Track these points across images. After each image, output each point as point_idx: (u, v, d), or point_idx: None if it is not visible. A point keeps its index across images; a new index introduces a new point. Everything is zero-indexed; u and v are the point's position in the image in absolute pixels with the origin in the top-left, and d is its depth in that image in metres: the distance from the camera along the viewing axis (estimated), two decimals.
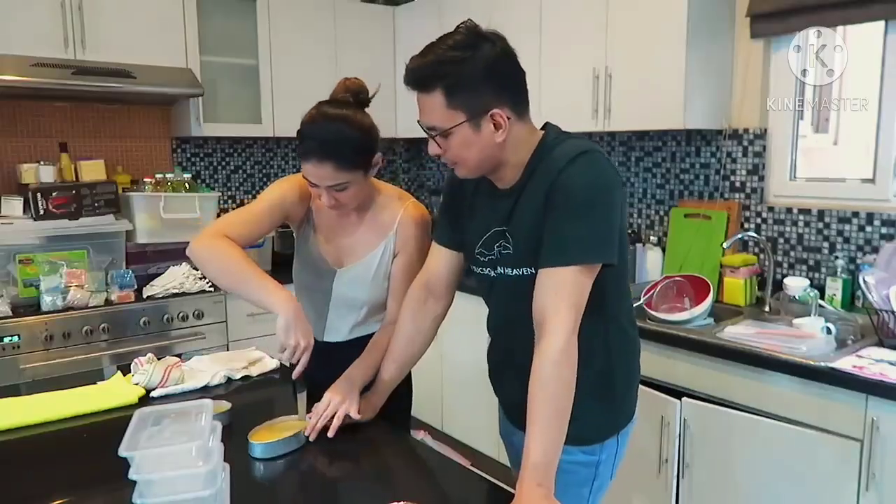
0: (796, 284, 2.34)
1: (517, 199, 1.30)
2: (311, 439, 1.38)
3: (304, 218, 1.67)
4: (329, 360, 1.62)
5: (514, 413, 1.48)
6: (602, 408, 1.35)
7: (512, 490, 1.15)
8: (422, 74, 1.22)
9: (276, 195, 1.62)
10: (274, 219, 1.61)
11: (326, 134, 1.43)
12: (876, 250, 2.36)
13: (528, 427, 1.16)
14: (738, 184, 2.78)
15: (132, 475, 1.01)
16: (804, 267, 2.59)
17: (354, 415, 1.43)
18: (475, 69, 1.20)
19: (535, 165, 1.29)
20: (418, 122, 1.28)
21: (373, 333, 1.68)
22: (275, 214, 1.61)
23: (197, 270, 3.02)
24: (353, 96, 1.53)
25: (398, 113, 3.66)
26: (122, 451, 1.00)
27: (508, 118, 1.24)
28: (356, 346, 1.66)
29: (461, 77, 1.20)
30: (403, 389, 1.75)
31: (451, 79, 1.20)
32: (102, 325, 2.70)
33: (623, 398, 1.41)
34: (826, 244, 2.53)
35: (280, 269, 3.32)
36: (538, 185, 1.26)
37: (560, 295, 1.19)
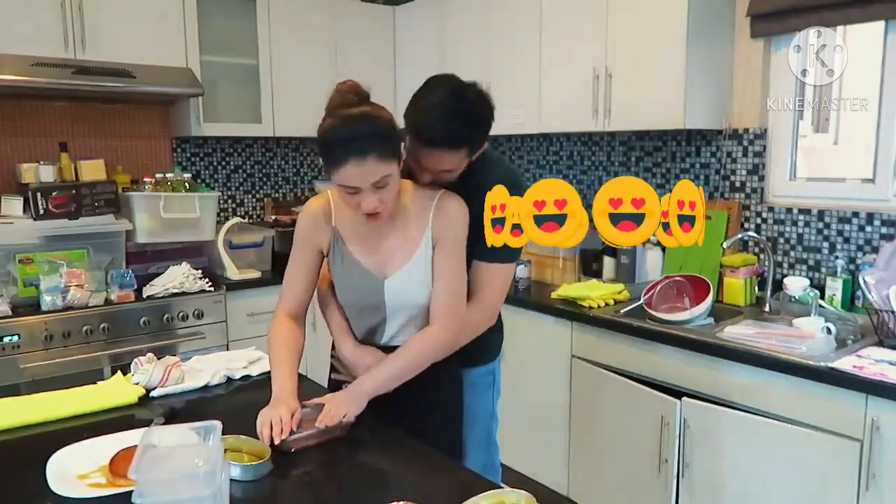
0: (796, 284, 2.34)
1: None
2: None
3: (331, 240, 1.59)
4: None
5: None
6: (493, 336, 1.78)
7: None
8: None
9: (299, 238, 1.61)
10: (312, 260, 1.61)
11: (359, 130, 1.37)
12: (876, 250, 2.36)
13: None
14: (738, 184, 2.78)
15: (131, 474, 1.01)
16: (804, 267, 2.59)
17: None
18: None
19: None
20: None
21: None
22: (311, 256, 1.61)
23: (197, 270, 3.02)
24: (356, 94, 1.48)
25: (399, 112, 3.65)
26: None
27: None
28: None
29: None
30: (451, 405, 1.73)
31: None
32: (102, 325, 2.70)
33: (500, 329, 1.83)
34: (826, 244, 2.53)
35: (280, 268, 3.32)
36: None
37: None
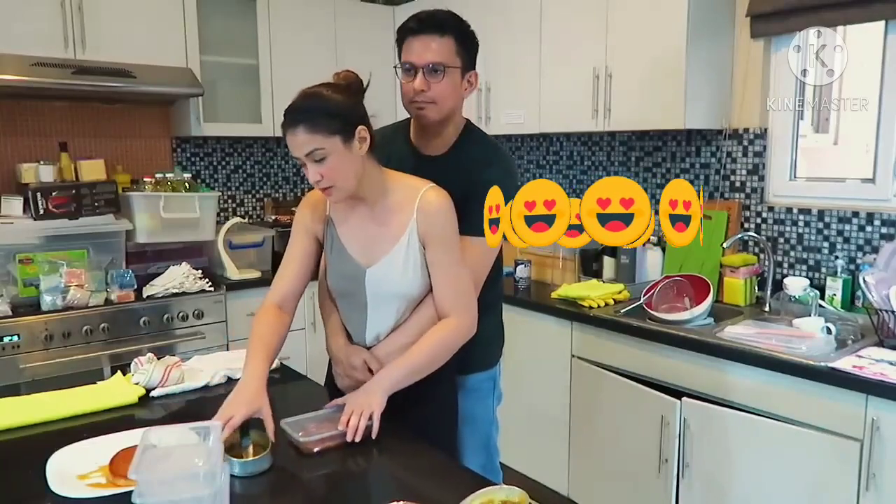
0: (796, 284, 2.34)
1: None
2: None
3: (325, 226, 1.61)
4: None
5: None
6: (494, 342, 1.86)
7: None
8: (442, 18, 1.60)
9: (295, 225, 1.64)
10: (307, 248, 1.62)
11: (298, 103, 1.45)
12: (876, 250, 2.36)
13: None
14: (738, 184, 2.78)
15: (131, 474, 1.01)
16: (804, 267, 2.59)
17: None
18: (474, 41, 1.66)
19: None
20: (408, 63, 1.61)
21: None
22: (305, 244, 1.62)
23: (197, 270, 3.02)
24: (343, 80, 1.55)
25: (398, 112, 3.65)
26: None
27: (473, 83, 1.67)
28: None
29: (469, 35, 1.65)
30: (446, 407, 1.71)
31: (465, 29, 1.63)
32: (102, 325, 2.70)
33: (501, 335, 1.90)
34: (826, 244, 2.53)
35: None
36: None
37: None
